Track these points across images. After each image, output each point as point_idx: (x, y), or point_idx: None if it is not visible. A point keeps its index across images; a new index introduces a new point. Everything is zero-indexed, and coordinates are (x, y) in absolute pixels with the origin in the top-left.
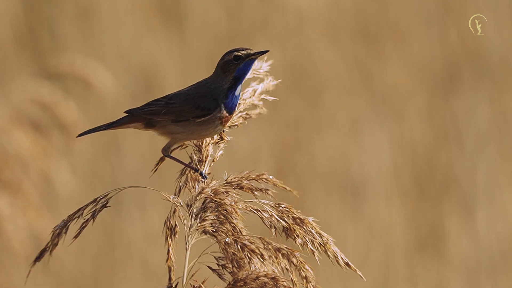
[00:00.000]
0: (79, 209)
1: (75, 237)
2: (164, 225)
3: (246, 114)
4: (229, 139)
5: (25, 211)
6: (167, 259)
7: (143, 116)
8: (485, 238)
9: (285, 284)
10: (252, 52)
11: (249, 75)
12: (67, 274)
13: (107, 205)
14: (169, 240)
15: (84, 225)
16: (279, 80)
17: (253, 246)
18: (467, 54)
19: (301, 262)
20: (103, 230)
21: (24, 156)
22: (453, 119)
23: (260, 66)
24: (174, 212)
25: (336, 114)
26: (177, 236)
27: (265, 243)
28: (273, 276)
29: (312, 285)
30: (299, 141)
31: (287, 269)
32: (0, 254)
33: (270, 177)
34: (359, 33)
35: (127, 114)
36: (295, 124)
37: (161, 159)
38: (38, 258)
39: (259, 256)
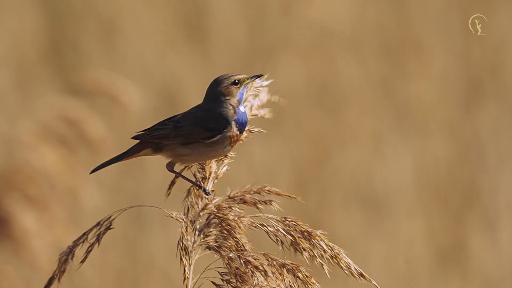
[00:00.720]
0: (83, 234)
1: (82, 261)
2: (178, 246)
3: (248, 130)
4: (233, 155)
5: (52, 227)
6: (184, 279)
7: (152, 141)
8: (508, 253)
9: None
10: (247, 76)
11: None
12: None
13: (111, 227)
14: (184, 260)
15: (90, 249)
16: (276, 96)
17: (256, 263)
18: (490, 69)
19: (306, 276)
20: (125, 245)
21: (50, 172)
22: (476, 134)
23: (260, 85)
24: (187, 232)
25: (358, 129)
26: (191, 255)
27: (270, 259)
28: None
29: None
30: (321, 155)
31: (291, 286)
32: (27, 270)
33: (272, 188)
34: (382, 49)
35: (136, 143)
36: (318, 138)
37: (173, 183)
38: (46, 287)
39: (262, 273)
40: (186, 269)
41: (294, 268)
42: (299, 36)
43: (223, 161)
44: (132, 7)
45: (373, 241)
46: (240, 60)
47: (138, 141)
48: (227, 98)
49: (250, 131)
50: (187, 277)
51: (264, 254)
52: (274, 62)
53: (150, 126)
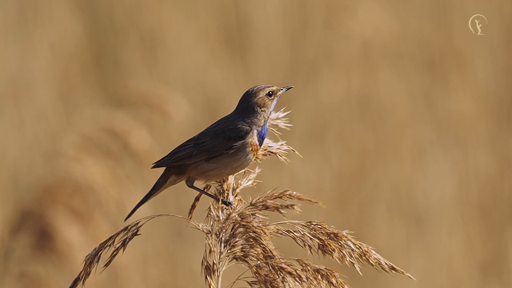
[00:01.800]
0: (110, 238)
1: (106, 265)
2: (202, 265)
3: (267, 151)
4: (257, 171)
5: (96, 240)
6: None
7: (173, 164)
8: None
9: None
10: (279, 88)
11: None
12: None
13: (138, 233)
14: (209, 279)
15: (115, 253)
16: (291, 148)
17: (290, 269)
18: None
19: (341, 283)
20: (167, 258)
21: (95, 185)
22: None
23: (277, 116)
24: (210, 252)
25: (400, 142)
26: (216, 274)
27: (304, 265)
28: None
29: None
30: (362, 169)
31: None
32: (70, 283)
33: (294, 192)
34: (424, 62)
35: (160, 176)
36: (359, 152)
37: (193, 206)
38: (71, 287)
39: (297, 278)
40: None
41: (328, 273)
42: (341, 50)
43: (248, 175)
44: (174, 20)
45: (414, 255)
46: (282, 74)
47: (162, 172)
48: (263, 109)
49: (277, 153)
50: None
51: (297, 260)
52: (315, 76)
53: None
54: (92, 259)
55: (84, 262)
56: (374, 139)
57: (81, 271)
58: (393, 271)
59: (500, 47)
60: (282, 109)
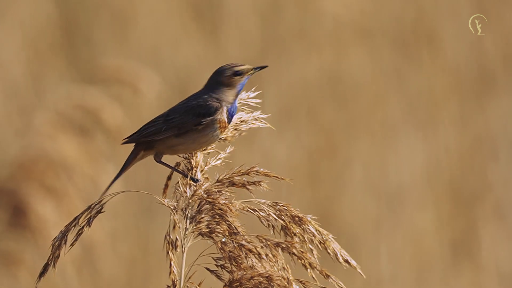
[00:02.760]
0: (74, 218)
1: (72, 244)
2: (165, 240)
3: (235, 129)
4: (228, 150)
5: (70, 216)
6: (170, 273)
7: (143, 140)
8: None
9: (279, 283)
10: (251, 67)
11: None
12: (101, 280)
13: (102, 210)
14: (171, 254)
15: (80, 232)
16: (269, 115)
17: (250, 246)
18: (501, 60)
19: (302, 252)
20: (137, 236)
21: (68, 162)
22: (487, 125)
23: (247, 96)
24: (174, 226)
25: (371, 119)
26: (178, 250)
27: (264, 241)
28: (267, 275)
29: (318, 270)
30: (334, 146)
31: (284, 268)
32: (44, 259)
33: (261, 169)
34: (394, 40)
35: (131, 151)
36: (330, 130)
37: (166, 185)
38: (42, 273)
39: (256, 256)
40: (172, 263)
41: (289, 245)
42: (312, 27)
43: (216, 155)
44: None
45: (385, 232)
46: (253, 50)
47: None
48: (228, 88)
49: (241, 129)
50: (173, 271)
51: (257, 236)
52: (286, 54)
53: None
54: (60, 241)
55: (51, 246)
56: (345, 117)
57: (50, 256)
58: (347, 264)
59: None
60: (253, 89)
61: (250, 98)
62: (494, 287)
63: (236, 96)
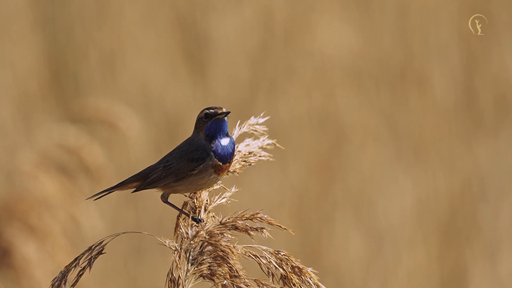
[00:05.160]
0: (75, 259)
1: (73, 285)
2: (167, 277)
3: (243, 160)
4: (234, 189)
5: (53, 255)
6: None
7: (148, 188)
8: (507, 283)
9: None
10: (219, 112)
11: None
12: None
13: (103, 252)
14: None
15: (81, 273)
16: (275, 140)
17: None
18: (490, 102)
19: None
20: (126, 276)
21: (51, 201)
22: (476, 166)
23: (256, 122)
24: (177, 265)
25: (360, 160)
26: (185, 284)
27: (261, 285)
28: None
29: None
30: (323, 186)
31: None
32: None
33: (265, 216)
34: (384, 80)
35: (133, 175)
36: (319, 169)
37: (177, 225)
38: None
39: None
40: None
41: None
42: (301, 67)
43: (221, 193)
44: (134, 37)
45: (374, 272)
46: (242, 91)
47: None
48: (197, 131)
49: (249, 162)
50: None
51: (255, 280)
52: (276, 93)
53: (144, 168)
54: (60, 282)
55: (51, 286)
56: (335, 156)
57: None
58: None
59: (459, 67)
60: (261, 114)
61: (258, 124)
62: None
63: (210, 138)
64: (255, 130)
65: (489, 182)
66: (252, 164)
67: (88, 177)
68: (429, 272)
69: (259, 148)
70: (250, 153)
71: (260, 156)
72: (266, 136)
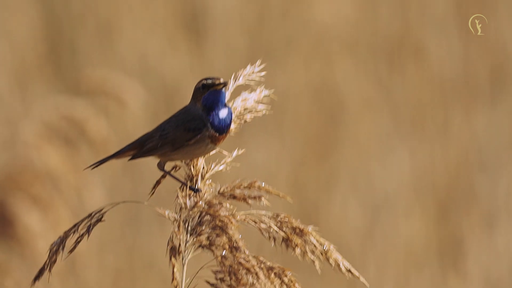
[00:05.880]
0: (74, 225)
1: (70, 251)
2: (168, 245)
3: (239, 119)
4: (233, 155)
5: (56, 226)
6: (172, 280)
7: (144, 156)
8: (505, 252)
9: None
10: (216, 82)
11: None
12: None
13: (102, 219)
14: (173, 260)
15: (79, 239)
16: (272, 90)
17: (248, 265)
18: (488, 71)
19: (291, 281)
20: (123, 245)
21: (54, 172)
22: (474, 136)
23: (252, 71)
24: (180, 232)
25: (357, 130)
26: (184, 255)
27: (259, 262)
28: None
29: None
30: (320, 157)
31: (280, 284)
32: (31, 270)
33: (263, 184)
34: (381, 51)
35: (130, 143)
36: (317, 140)
37: (158, 182)
38: (37, 277)
39: (254, 275)
40: (174, 269)
41: (280, 272)
42: (299, 37)
43: (218, 160)
44: (131, 7)
45: (371, 241)
46: (238, 61)
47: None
48: (195, 101)
49: (245, 120)
50: (175, 278)
51: (254, 257)
52: (273, 63)
53: (140, 136)
54: (58, 247)
55: (49, 251)
56: (332, 127)
57: (46, 260)
58: (350, 274)
59: (457, 36)
60: (257, 62)
61: (254, 73)
62: None
63: (207, 109)
64: (252, 80)
65: (486, 152)
66: (248, 121)
67: (91, 149)
68: (426, 242)
69: (256, 102)
70: (245, 109)
71: (256, 112)
72: (263, 86)
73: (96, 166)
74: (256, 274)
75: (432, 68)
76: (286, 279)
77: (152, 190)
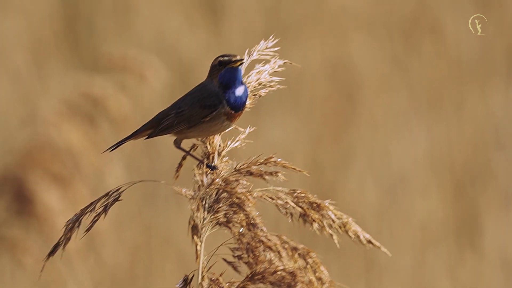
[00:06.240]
0: (91, 203)
1: (87, 230)
2: (189, 224)
3: (253, 94)
4: (246, 130)
5: (75, 204)
6: (196, 258)
7: (160, 134)
8: None
9: (303, 280)
10: (233, 59)
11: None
12: (104, 267)
13: (119, 198)
14: (196, 238)
15: (96, 218)
16: (286, 61)
17: (270, 243)
18: (504, 49)
19: (316, 263)
20: (140, 223)
21: (74, 150)
22: (490, 113)
23: (265, 46)
24: (198, 210)
25: (374, 108)
26: (202, 233)
27: (282, 242)
28: (291, 271)
29: (326, 287)
30: (336, 134)
31: (305, 266)
32: (50, 247)
33: (279, 159)
34: (397, 28)
35: (145, 123)
36: (333, 117)
37: (180, 165)
38: (51, 253)
39: (276, 253)
40: (198, 247)
41: (304, 253)
42: (315, 15)
43: (235, 136)
44: None
45: (388, 219)
46: (255, 39)
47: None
48: (211, 78)
49: (259, 95)
50: (199, 256)
51: (277, 235)
52: (289, 41)
53: (156, 114)
54: (73, 224)
55: (64, 227)
56: (348, 104)
57: (61, 237)
58: (370, 245)
59: (472, 14)
60: (271, 37)
61: (268, 48)
62: (497, 274)
63: (224, 86)
64: (266, 55)
65: (503, 130)
66: (263, 96)
67: (112, 126)
68: (443, 219)
69: (270, 74)
70: (260, 83)
71: (271, 86)
72: (277, 58)
73: (115, 148)
74: (279, 252)
75: (448, 46)
76: (310, 260)
77: (176, 173)
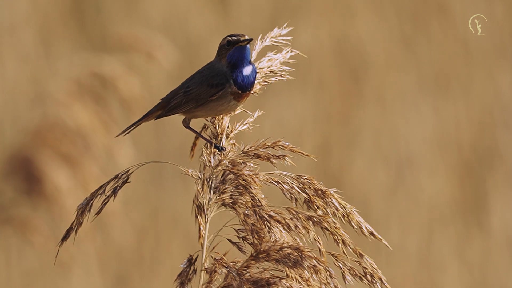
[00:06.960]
0: (101, 186)
1: (97, 213)
2: (193, 203)
3: (264, 81)
4: (255, 114)
5: (85, 184)
6: (199, 237)
7: (169, 114)
8: None
9: (310, 254)
10: (241, 39)
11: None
12: (112, 247)
13: (128, 180)
14: (199, 218)
15: (106, 201)
16: (297, 52)
17: (279, 217)
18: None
19: (335, 228)
20: (147, 203)
21: (84, 130)
22: (498, 94)
23: (279, 33)
24: (203, 189)
25: (381, 88)
26: (207, 213)
27: (294, 213)
28: (297, 246)
29: (351, 248)
30: (344, 115)
31: (315, 239)
32: (60, 228)
33: (287, 143)
34: (405, 8)
35: (155, 105)
36: (341, 98)
37: (194, 144)
38: (64, 238)
39: (285, 227)
40: (201, 227)
41: (321, 219)
42: None
43: (243, 120)
44: None
45: (395, 199)
46: (262, 19)
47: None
48: (219, 58)
49: (265, 82)
50: (202, 235)
51: (287, 208)
52: (296, 21)
53: (166, 94)
54: (84, 208)
55: (76, 212)
56: (356, 84)
57: (74, 221)
58: (372, 237)
59: None
60: (285, 25)
61: (281, 35)
62: (504, 254)
63: (232, 66)
64: (279, 42)
65: (510, 109)
66: (273, 83)
67: (122, 106)
68: (450, 199)
69: (281, 64)
70: (271, 71)
71: (281, 74)
72: (289, 48)
73: (128, 132)
74: (288, 225)
75: (456, 25)
76: (328, 226)
77: (191, 153)
